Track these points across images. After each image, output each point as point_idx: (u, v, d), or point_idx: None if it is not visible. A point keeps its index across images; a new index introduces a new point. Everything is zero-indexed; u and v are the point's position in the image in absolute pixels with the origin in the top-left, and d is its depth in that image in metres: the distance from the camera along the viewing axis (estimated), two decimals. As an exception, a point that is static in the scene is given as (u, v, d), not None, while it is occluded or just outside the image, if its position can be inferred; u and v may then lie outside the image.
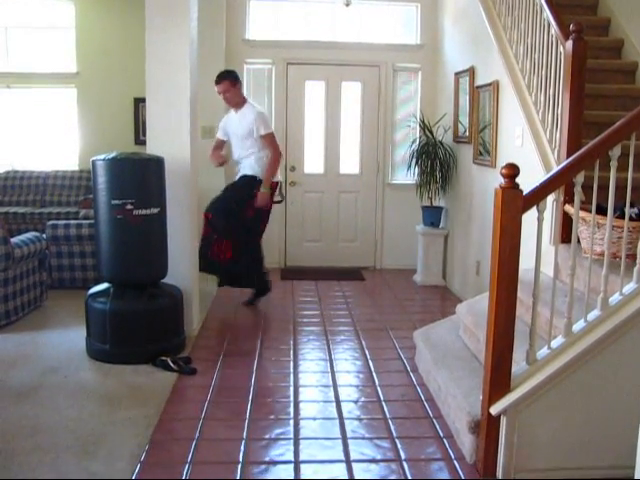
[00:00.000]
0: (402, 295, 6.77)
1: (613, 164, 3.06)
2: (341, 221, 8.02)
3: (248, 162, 5.88)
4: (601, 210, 3.34)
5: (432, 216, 7.29)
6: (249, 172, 5.87)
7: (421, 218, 7.41)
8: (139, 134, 8.86)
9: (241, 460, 3.26)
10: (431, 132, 7.30)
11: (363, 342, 5.11)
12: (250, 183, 5.83)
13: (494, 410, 3.03)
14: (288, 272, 7.74)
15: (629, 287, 3.11)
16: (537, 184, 3.01)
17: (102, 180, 4.48)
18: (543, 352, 3.10)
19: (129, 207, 4.45)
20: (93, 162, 4.55)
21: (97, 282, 5.02)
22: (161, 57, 4.97)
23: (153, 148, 4.99)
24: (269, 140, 5.83)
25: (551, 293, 3.12)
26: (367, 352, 4.89)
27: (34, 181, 9.05)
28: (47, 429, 3.53)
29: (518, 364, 3.11)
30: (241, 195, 5.85)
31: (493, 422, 3.07)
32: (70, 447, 3.34)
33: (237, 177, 6.01)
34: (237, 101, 5.87)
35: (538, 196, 2.99)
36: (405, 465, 3.24)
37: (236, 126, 5.90)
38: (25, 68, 9.09)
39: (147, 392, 4.05)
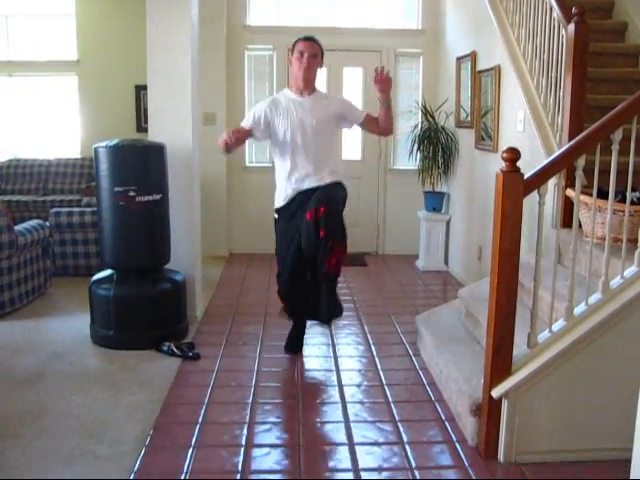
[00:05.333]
0: (404, 280, 6.79)
1: (615, 148, 3.06)
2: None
3: (328, 167, 4.25)
4: (602, 194, 3.34)
5: (434, 201, 7.29)
6: (335, 179, 4.26)
7: (423, 203, 7.42)
8: (141, 122, 8.87)
9: (244, 443, 3.28)
10: (433, 117, 7.30)
11: (365, 327, 5.13)
12: (342, 186, 4.33)
13: (495, 393, 3.05)
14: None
15: (630, 270, 3.12)
16: (538, 168, 3.02)
17: (104, 167, 4.50)
18: (544, 335, 3.11)
19: (131, 194, 4.46)
20: (95, 149, 4.56)
21: (100, 269, 5.05)
22: (162, 44, 4.96)
23: (155, 135, 4.99)
24: (371, 117, 4.38)
25: (552, 277, 3.13)
26: (369, 337, 4.91)
27: (36, 169, 9.08)
28: (52, 414, 3.56)
29: (519, 348, 3.13)
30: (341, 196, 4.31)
31: (494, 405, 3.09)
32: (75, 431, 3.37)
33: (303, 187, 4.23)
34: (313, 77, 4.31)
35: (539, 180, 3.00)
36: (407, 448, 3.26)
37: (307, 113, 4.23)
38: (26, 56, 9.10)
39: (151, 377, 4.08)
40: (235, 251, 7.96)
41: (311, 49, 4.24)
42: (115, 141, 4.54)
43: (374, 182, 8.03)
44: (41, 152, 9.26)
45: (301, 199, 4.18)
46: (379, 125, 4.33)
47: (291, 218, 4.23)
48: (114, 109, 8.94)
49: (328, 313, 4.31)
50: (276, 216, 4.37)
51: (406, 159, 7.62)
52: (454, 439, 3.36)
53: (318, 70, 4.33)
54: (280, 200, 4.31)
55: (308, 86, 4.28)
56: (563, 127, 4.32)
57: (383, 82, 4.13)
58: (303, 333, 4.62)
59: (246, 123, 4.26)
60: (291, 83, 4.38)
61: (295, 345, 4.57)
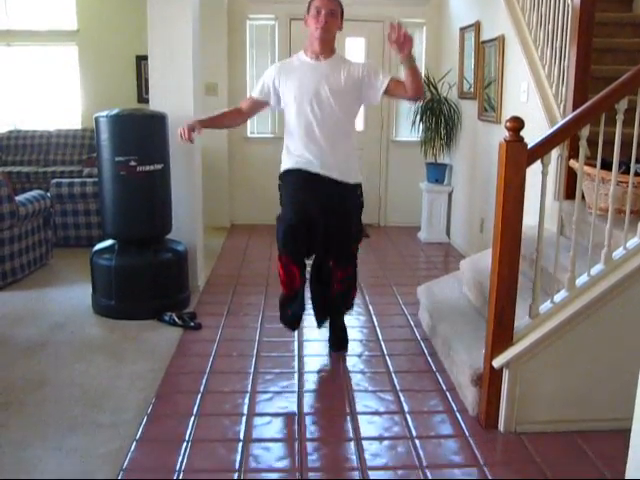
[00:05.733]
0: (406, 252, 6.79)
1: (619, 117, 3.03)
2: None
3: (340, 153, 3.76)
4: (606, 165, 3.32)
5: (436, 173, 7.27)
6: (353, 179, 3.82)
7: (425, 175, 7.39)
8: (142, 92, 8.82)
9: (246, 412, 3.30)
10: (436, 88, 7.24)
11: (367, 298, 5.13)
12: (359, 195, 3.91)
13: (496, 363, 3.06)
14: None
15: (633, 242, 3.11)
16: (542, 137, 3.00)
17: (105, 137, 4.48)
18: (546, 306, 3.11)
19: (132, 163, 4.44)
20: (96, 118, 4.53)
21: (102, 239, 5.04)
22: (163, 13, 4.91)
23: (156, 105, 4.96)
24: (398, 80, 3.70)
25: (554, 249, 3.12)
26: (371, 308, 4.91)
27: (37, 140, 9.04)
28: (55, 383, 3.58)
29: (521, 318, 3.13)
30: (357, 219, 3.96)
31: (495, 375, 3.10)
32: (78, 400, 3.39)
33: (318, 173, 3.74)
34: (331, 39, 3.77)
35: (543, 149, 2.98)
36: (408, 417, 3.28)
37: (322, 80, 3.69)
38: (25, 25, 9.01)
39: (153, 347, 4.10)
40: (237, 222, 7.95)
41: (329, 5, 3.68)
42: (116, 110, 4.51)
43: (376, 153, 7.99)
44: (41, 123, 9.21)
45: (318, 186, 3.72)
46: (407, 89, 3.59)
47: (304, 180, 3.75)
48: (115, 80, 8.88)
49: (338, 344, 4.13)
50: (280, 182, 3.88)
51: (408, 130, 7.57)
52: (455, 409, 3.37)
53: (337, 33, 3.78)
54: (288, 162, 3.81)
55: (325, 49, 3.73)
56: (567, 98, 4.29)
57: (402, 43, 3.39)
58: (302, 308, 4.07)
59: (256, 92, 3.89)
60: (306, 45, 3.81)
61: (296, 318, 4.08)
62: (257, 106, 3.95)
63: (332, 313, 4.14)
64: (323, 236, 3.72)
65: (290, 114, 3.77)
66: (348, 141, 3.81)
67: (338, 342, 4.13)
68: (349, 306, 4.23)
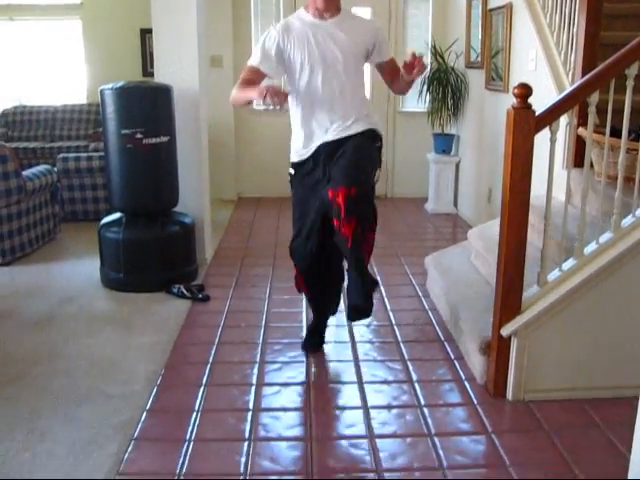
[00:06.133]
0: (413, 223, 6.77)
1: (629, 83, 2.99)
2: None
3: (356, 112, 3.34)
4: (615, 133, 3.29)
5: (443, 144, 7.23)
6: (367, 125, 3.38)
7: (432, 146, 7.35)
8: (147, 66, 8.76)
9: (255, 382, 3.32)
10: (443, 58, 7.17)
11: (375, 268, 5.12)
12: (376, 138, 3.45)
13: (505, 332, 3.06)
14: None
15: (642, 209, 3.09)
16: (551, 104, 2.97)
17: (111, 110, 4.46)
18: (554, 274, 3.10)
19: (139, 136, 4.43)
20: (101, 91, 4.51)
21: (109, 213, 5.05)
22: (166, -16, 4.87)
23: (161, 77, 4.94)
24: (395, 64, 3.45)
25: (562, 218, 3.10)
26: (379, 278, 4.89)
27: (43, 116, 9.02)
28: (65, 355, 3.60)
29: (529, 287, 3.12)
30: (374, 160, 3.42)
31: (503, 343, 3.10)
32: (88, 372, 3.41)
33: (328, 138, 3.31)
34: None
35: (551, 116, 2.95)
36: (416, 386, 3.29)
37: (329, 41, 3.25)
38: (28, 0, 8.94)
39: (162, 319, 4.11)
40: (244, 195, 7.94)
41: None
42: (121, 83, 4.49)
43: (383, 124, 7.93)
44: (47, 98, 9.18)
45: (326, 151, 3.29)
46: (399, 82, 3.36)
47: (309, 174, 3.37)
48: (119, 54, 8.82)
49: (363, 295, 3.25)
50: (292, 171, 3.47)
51: (415, 101, 7.50)
52: (463, 377, 3.38)
53: None
54: (294, 155, 3.43)
55: (330, 6, 3.24)
56: (576, 65, 4.24)
57: (415, 71, 3.11)
58: (324, 326, 3.82)
59: (255, 61, 3.28)
60: (307, 2, 3.30)
61: (315, 341, 3.77)
62: (258, 78, 3.30)
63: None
64: (341, 168, 3.20)
65: (298, 84, 3.31)
66: (362, 103, 3.41)
67: (357, 303, 3.30)
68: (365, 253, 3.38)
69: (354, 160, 3.19)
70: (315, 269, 3.53)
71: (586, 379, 3.16)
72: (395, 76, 3.39)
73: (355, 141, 3.28)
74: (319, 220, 3.34)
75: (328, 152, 3.28)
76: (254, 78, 3.28)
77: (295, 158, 3.42)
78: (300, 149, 3.38)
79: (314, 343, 3.75)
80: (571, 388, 3.16)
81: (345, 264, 3.47)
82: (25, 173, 5.40)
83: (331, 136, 3.30)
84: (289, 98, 3.27)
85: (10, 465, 2.60)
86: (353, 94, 3.34)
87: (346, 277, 3.48)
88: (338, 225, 3.08)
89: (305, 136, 3.34)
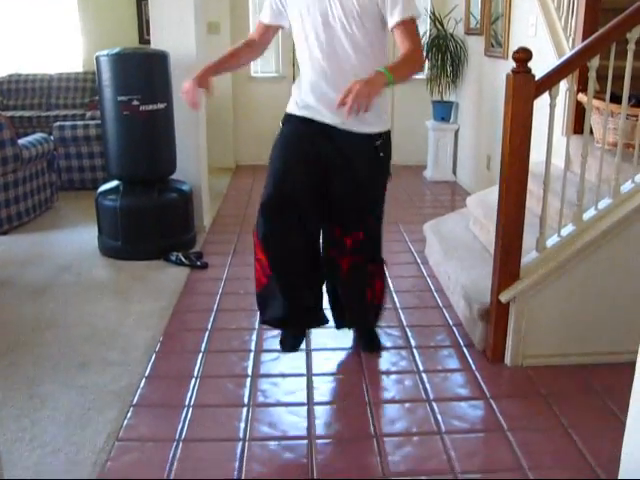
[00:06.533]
0: (412, 190, 6.75)
1: (630, 47, 2.96)
2: (350, 118, 7.86)
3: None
4: (615, 99, 3.27)
5: (442, 111, 7.18)
6: (373, 128, 2.87)
7: (431, 113, 7.30)
8: (143, 33, 8.68)
9: (253, 349, 3.33)
10: (442, 24, 7.09)
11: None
12: (387, 147, 2.96)
13: (503, 298, 3.06)
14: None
15: (642, 175, 3.08)
16: (550, 68, 2.94)
17: (107, 76, 4.42)
18: (553, 240, 3.10)
19: (135, 103, 4.39)
20: (97, 58, 4.46)
21: (106, 182, 5.02)
22: (162, -53, 4.80)
23: (157, 44, 4.88)
24: (410, 31, 2.71)
25: (561, 184, 3.09)
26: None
27: (38, 84, 8.94)
28: (64, 323, 3.61)
29: (528, 253, 3.12)
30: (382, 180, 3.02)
31: (502, 309, 3.10)
32: (87, 339, 3.42)
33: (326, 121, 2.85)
34: None
35: (551, 81, 2.92)
36: (415, 352, 3.30)
37: None
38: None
39: (160, 286, 4.11)
40: (242, 163, 7.90)
41: None
42: (117, 49, 4.44)
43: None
44: (43, 67, 9.09)
45: (326, 133, 2.87)
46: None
47: (303, 137, 2.93)
48: (116, 21, 8.72)
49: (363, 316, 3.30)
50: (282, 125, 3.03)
51: (414, 68, 7.44)
52: (461, 343, 3.39)
53: None
54: (293, 105, 2.99)
55: None
56: (577, 30, 4.19)
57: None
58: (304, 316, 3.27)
59: (266, 17, 2.96)
60: None
61: (295, 338, 3.33)
62: (270, 33, 3.03)
63: (352, 314, 3.32)
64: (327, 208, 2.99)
65: (295, 39, 2.90)
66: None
67: (365, 343, 3.35)
68: (376, 306, 3.31)
69: (365, 199, 2.97)
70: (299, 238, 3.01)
71: (584, 345, 3.17)
72: (400, 44, 2.73)
73: (364, 164, 2.90)
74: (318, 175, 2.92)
75: (327, 147, 2.89)
76: (262, 33, 3.02)
77: (290, 107, 3.00)
78: (297, 98, 2.95)
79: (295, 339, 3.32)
80: (569, 354, 3.17)
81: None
82: (21, 141, 5.36)
83: (320, 117, 2.85)
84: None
85: (10, 432, 2.61)
86: (359, 64, 2.72)
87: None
88: (337, 255, 3.05)
89: (303, 96, 2.91)
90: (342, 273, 3.09)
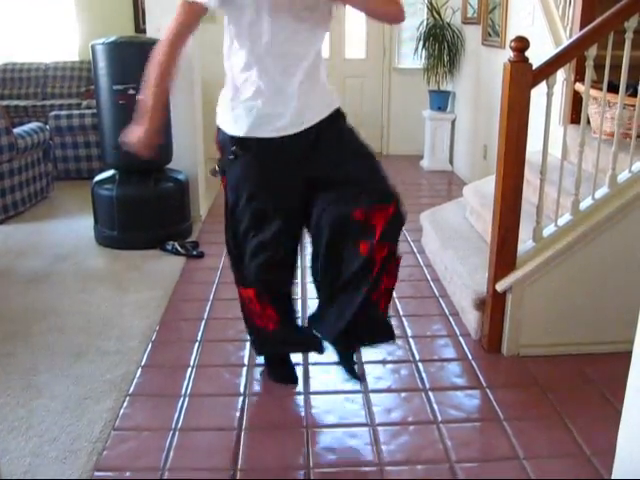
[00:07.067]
0: (409, 180, 6.73)
1: (628, 36, 2.95)
2: (346, 107, 7.72)
3: (316, 78, 2.43)
4: (613, 88, 3.26)
5: (439, 100, 7.16)
6: (333, 104, 2.57)
7: (428, 103, 7.28)
8: (139, 22, 8.61)
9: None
10: (439, 14, 7.06)
11: (370, 227, 5.11)
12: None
13: (500, 287, 3.06)
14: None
15: (638, 165, 3.07)
16: (548, 57, 2.93)
17: (102, 65, 4.41)
18: (549, 230, 3.10)
19: (131, 92, 4.36)
20: (92, 47, 4.44)
21: (102, 171, 5.01)
22: None
23: (154, 33, 4.85)
24: None
25: (559, 174, 3.08)
26: (374, 236, 4.90)
27: (34, 73, 8.88)
28: (60, 312, 3.60)
29: (524, 243, 3.11)
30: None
31: (498, 299, 3.11)
32: (83, 328, 3.41)
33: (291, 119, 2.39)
34: None
35: (548, 70, 2.91)
36: (411, 341, 3.30)
37: None
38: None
39: (156, 276, 4.11)
40: (238, 154, 7.87)
41: None
42: (113, 38, 4.42)
43: (378, 81, 7.86)
44: (38, 55, 9.03)
45: (280, 163, 2.43)
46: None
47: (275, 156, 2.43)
48: (111, 10, 8.65)
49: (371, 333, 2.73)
50: (232, 154, 2.44)
51: (411, 57, 7.43)
52: (458, 333, 3.39)
53: None
54: (231, 124, 2.44)
55: None
56: (574, 20, 4.18)
57: None
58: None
59: None
60: None
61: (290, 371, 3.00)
62: (198, 16, 2.38)
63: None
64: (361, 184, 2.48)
65: (236, 29, 2.36)
66: (322, 72, 2.48)
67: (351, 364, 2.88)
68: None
69: (370, 164, 2.57)
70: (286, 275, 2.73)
71: (581, 334, 3.18)
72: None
73: (345, 131, 2.59)
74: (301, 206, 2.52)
75: (301, 159, 2.45)
76: (190, 18, 2.40)
77: (234, 128, 2.43)
78: (243, 114, 2.39)
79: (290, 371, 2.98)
80: (566, 343, 3.18)
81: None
82: (16, 131, 5.34)
83: (280, 124, 2.38)
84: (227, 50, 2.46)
85: (7, 421, 2.61)
86: (316, 59, 2.42)
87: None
88: (363, 250, 2.44)
89: (250, 107, 2.38)
90: (375, 268, 2.47)
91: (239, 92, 2.40)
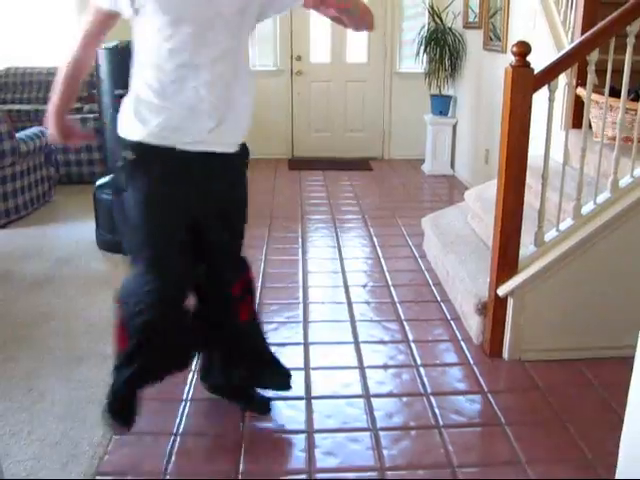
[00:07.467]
0: (410, 184, 6.74)
1: (630, 41, 2.96)
2: (348, 111, 7.89)
3: (239, 109, 2.27)
4: (614, 93, 3.26)
5: (441, 105, 7.17)
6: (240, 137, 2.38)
7: (429, 107, 7.29)
8: (140, 25, 8.63)
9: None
10: (440, 18, 7.08)
11: (371, 230, 5.12)
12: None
13: (501, 291, 3.06)
14: (295, 162, 7.68)
15: (640, 170, 3.08)
16: (550, 62, 2.93)
17: (104, 70, 4.42)
18: (551, 234, 3.10)
19: (133, 96, 4.38)
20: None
21: (104, 176, 5.01)
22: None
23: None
24: None
25: (560, 179, 3.08)
26: (375, 239, 4.90)
27: (36, 77, 8.90)
28: (61, 316, 3.60)
29: (526, 247, 3.12)
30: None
31: (500, 303, 3.11)
32: (85, 332, 3.41)
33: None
34: None
35: (550, 75, 2.92)
36: (413, 346, 3.30)
37: None
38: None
39: (158, 280, 4.10)
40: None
41: None
42: (114, 42, 4.43)
43: (379, 85, 7.87)
44: (40, 60, 9.04)
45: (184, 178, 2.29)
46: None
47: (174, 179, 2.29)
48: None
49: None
50: (129, 156, 2.26)
51: (412, 61, 7.43)
52: (459, 337, 3.39)
53: None
54: (137, 129, 2.26)
55: None
56: (576, 24, 4.18)
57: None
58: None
59: (106, 1, 2.27)
60: None
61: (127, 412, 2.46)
62: (110, 23, 2.38)
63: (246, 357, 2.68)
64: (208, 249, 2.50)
65: (152, 45, 2.26)
66: (250, 82, 2.35)
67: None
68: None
69: (238, 237, 2.66)
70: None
71: (582, 339, 3.18)
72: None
73: (235, 191, 2.58)
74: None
75: (203, 182, 2.33)
76: (101, 24, 2.35)
77: (142, 134, 2.25)
78: (153, 121, 2.24)
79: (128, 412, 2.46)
80: (567, 348, 3.18)
81: None
82: (19, 135, 5.35)
83: (189, 140, 2.24)
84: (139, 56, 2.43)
85: (9, 425, 2.61)
86: (240, 72, 2.26)
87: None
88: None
89: (162, 114, 2.23)
90: (242, 326, 2.62)
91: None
